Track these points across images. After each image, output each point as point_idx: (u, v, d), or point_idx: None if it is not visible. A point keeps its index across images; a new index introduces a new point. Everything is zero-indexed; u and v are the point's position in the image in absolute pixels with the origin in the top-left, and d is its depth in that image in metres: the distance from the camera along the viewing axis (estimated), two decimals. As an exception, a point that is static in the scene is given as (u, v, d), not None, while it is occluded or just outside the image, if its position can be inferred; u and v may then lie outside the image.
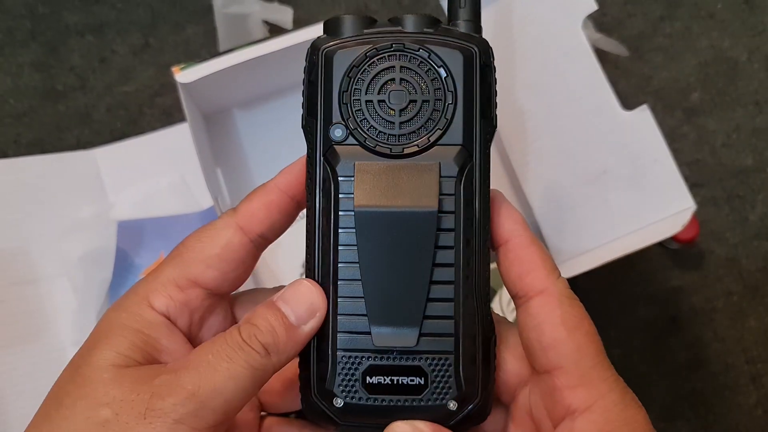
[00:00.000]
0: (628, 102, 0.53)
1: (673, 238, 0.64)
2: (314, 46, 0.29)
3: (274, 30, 0.68)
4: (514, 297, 0.29)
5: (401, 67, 0.28)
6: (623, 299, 0.67)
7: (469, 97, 0.28)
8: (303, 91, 0.29)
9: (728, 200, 0.69)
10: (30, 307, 0.55)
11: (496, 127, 0.29)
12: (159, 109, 0.68)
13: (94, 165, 0.61)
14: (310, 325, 0.28)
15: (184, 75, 0.52)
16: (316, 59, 0.28)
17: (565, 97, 0.53)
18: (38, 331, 0.55)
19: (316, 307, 0.28)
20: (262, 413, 0.33)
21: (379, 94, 0.28)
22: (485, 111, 0.28)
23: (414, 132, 0.28)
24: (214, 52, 0.54)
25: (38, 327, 0.55)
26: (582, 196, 0.53)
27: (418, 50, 0.28)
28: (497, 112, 0.29)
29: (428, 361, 0.28)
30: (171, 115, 0.68)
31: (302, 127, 0.29)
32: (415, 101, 0.28)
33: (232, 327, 0.28)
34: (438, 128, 0.28)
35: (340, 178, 0.28)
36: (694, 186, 0.68)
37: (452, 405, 0.28)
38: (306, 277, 0.29)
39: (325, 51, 0.28)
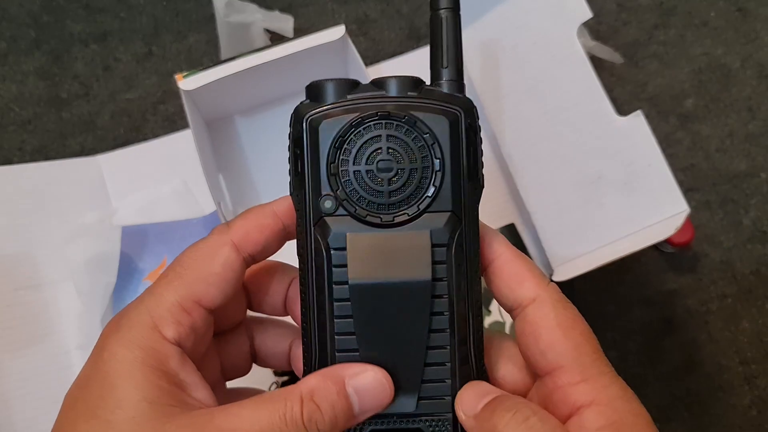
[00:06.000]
0: (623, 108, 0.53)
1: (668, 242, 0.65)
2: (298, 114, 0.28)
3: (276, 38, 0.69)
4: (509, 310, 0.29)
5: (387, 135, 0.28)
6: (619, 302, 0.67)
7: (456, 162, 0.28)
8: (289, 158, 0.29)
9: (722, 204, 0.69)
10: (35, 311, 0.56)
11: (483, 186, 0.29)
12: (162, 116, 0.69)
13: (98, 171, 0.61)
14: (368, 415, 0.28)
15: (187, 82, 0.53)
16: (301, 128, 0.28)
17: (561, 103, 0.54)
18: (43, 335, 0.55)
19: (384, 403, 0.28)
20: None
21: (366, 164, 0.28)
22: (472, 174, 0.28)
23: (404, 200, 0.28)
24: (216, 60, 0.55)
25: (43, 331, 0.55)
26: (578, 200, 0.54)
27: (404, 118, 0.27)
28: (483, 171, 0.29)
29: (427, 423, 0.29)
30: (174, 122, 0.68)
31: (290, 195, 0.29)
32: (403, 169, 0.28)
33: (291, 393, 0.27)
34: (427, 196, 0.28)
35: (332, 251, 0.28)
36: (688, 190, 0.69)
37: None
38: (303, 346, 0.29)
39: (310, 120, 0.28)
